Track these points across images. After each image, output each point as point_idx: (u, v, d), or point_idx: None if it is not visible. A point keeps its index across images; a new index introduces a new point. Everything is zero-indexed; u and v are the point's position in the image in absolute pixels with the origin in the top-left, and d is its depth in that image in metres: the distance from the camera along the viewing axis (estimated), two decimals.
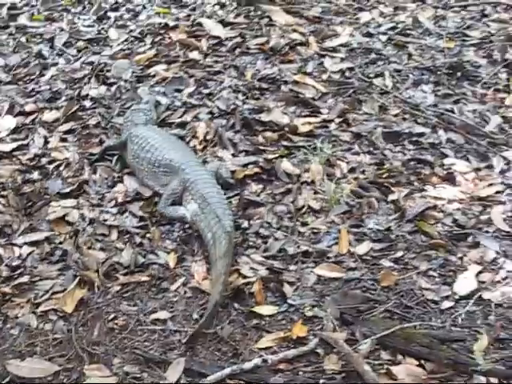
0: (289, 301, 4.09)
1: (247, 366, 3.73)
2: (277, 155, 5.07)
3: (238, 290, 4.15)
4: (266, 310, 4.07)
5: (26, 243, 4.57)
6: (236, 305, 4.09)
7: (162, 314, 4.08)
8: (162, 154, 4.85)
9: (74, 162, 5.12)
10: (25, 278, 4.33)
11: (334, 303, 4.04)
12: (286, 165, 4.99)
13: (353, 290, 4.11)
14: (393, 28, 6.37)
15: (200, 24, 6.46)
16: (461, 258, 4.28)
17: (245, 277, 4.24)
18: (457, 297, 4.05)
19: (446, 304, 4.01)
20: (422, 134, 5.23)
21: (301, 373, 3.71)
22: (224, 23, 6.48)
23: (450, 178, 4.85)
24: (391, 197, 4.71)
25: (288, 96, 5.60)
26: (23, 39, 6.54)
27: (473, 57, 5.95)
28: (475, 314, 3.95)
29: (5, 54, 6.34)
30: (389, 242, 4.41)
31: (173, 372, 3.73)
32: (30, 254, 4.51)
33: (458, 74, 5.78)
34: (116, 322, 4.06)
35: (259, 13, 6.59)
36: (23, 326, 4.07)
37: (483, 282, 4.12)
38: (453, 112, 5.41)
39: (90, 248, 4.50)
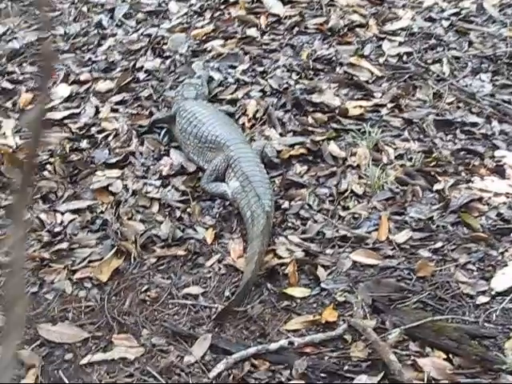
0: (322, 284, 4.06)
1: (273, 346, 3.72)
2: (325, 137, 5.01)
3: (272, 270, 4.14)
4: (298, 292, 4.05)
5: (68, 210, 4.61)
6: (269, 285, 4.07)
7: (194, 289, 4.09)
8: (209, 130, 4.84)
9: (123, 133, 5.13)
10: (64, 245, 4.38)
11: (366, 290, 4.00)
12: (332, 147, 4.93)
13: (387, 279, 4.05)
14: (456, 14, 6.19)
15: (260, 1, 6.40)
16: (502, 254, 4.18)
17: (280, 257, 4.22)
18: (493, 292, 3.95)
19: (482, 299, 3.91)
20: (475, 124, 5.10)
21: (326, 358, 3.68)
22: (285, 1, 6.39)
23: (498, 171, 4.72)
24: (436, 186, 4.61)
25: (342, 78, 5.52)
26: (84, 9, 6.59)
27: None
28: (511, 311, 3.86)
29: (65, 23, 6.40)
30: (429, 231, 4.33)
31: (199, 347, 3.75)
32: (71, 221, 4.55)
33: None
34: (148, 293, 4.08)
35: None
36: (58, 291, 4.13)
37: None
38: (509, 103, 5.24)
39: (130, 219, 4.53)
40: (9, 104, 5.44)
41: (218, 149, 4.76)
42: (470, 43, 5.86)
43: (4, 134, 5.12)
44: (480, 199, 4.52)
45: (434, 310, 3.87)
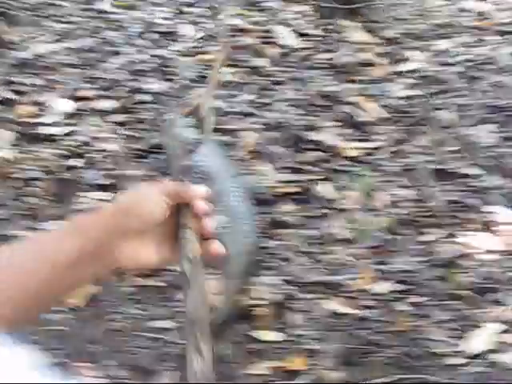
0: (294, 330, 4.00)
1: None
2: (319, 177, 4.94)
3: (244, 311, 4.08)
4: (269, 336, 3.97)
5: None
6: (240, 326, 4.02)
7: (166, 323, 4.06)
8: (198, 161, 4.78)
9: (118, 156, 5.11)
10: None
11: (338, 340, 3.93)
12: (326, 188, 4.83)
13: (360, 330, 3.99)
14: (470, 60, 6.11)
15: (275, 31, 6.36)
16: (482, 314, 4.08)
17: (255, 299, 4.16)
18: (467, 354, 3.85)
19: (453, 360, 3.80)
20: (474, 176, 5.00)
21: None
22: (300, 33, 6.35)
23: (489, 227, 4.61)
24: (425, 238, 4.50)
25: (344, 117, 5.44)
26: (101, 24, 6.59)
27: None
28: (482, 374, 3.76)
29: (80, 37, 6.40)
30: (411, 285, 4.24)
31: None
32: None
33: None
34: (120, 324, 4.06)
35: (337, 27, 6.44)
36: None
37: (501, 343, 3.92)
38: None
39: None
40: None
41: (207, 182, 4.68)
42: (481, 92, 5.76)
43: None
44: (467, 255, 4.41)
45: (404, 367, 3.79)
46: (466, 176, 5.01)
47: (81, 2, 6.96)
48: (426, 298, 4.15)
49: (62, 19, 6.63)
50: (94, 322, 4.06)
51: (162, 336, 3.96)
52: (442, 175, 5.02)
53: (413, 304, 4.13)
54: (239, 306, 4.08)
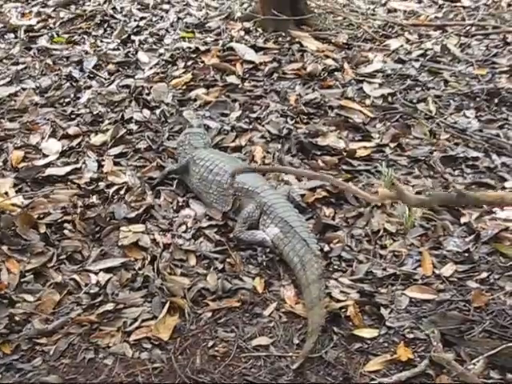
0: (387, 323, 4.06)
1: None
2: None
3: (333, 314, 4.10)
4: (367, 332, 4.03)
5: (101, 270, 4.40)
6: (335, 328, 4.04)
7: (263, 340, 4.00)
8: None
9: (136, 187, 4.96)
10: (109, 306, 4.16)
11: (432, 324, 4.04)
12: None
13: (451, 311, 4.12)
14: (423, 55, 6.49)
15: (231, 48, 6.41)
16: None
17: (338, 300, 4.19)
18: None
19: None
20: (476, 158, 5.31)
21: None
22: (255, 48, 6.44)
23: None
24: (463, 219, 4.75)
25: (337, 120, 5.60)
26: (49, 61, 6.34)
27: (506, 84, 6.11)
28: None
29: (33, 76, 6.13)
30: (471, 263, 4.45)
31: None
32: (108, 280, 4.33)
33: (496, 100, 5.92)
34: (216, 349, 3.95)
35: (288, 38, 6.59)
36: (117, 355, 3.90)
37: None
38: (499, 136, 5.52)
39: (171, 274, 4.35)
40: None
41: (246, 196, 4.68)
42: (446, 82, 6.13)
43: (6, 193, 4.81)
44: (506, 229, 4.69)
45: (500, 337, 3.97)
46: (469, 159, 5.31)
47: (17, 42, 6.65)
48: (489, 273, 4.36)
49: (8, 61, 6.31)
50: (187, 352, 3.91)
51: (263, 353, 3.90)
52: (448, 161, 5.29)
53: (480, 281, 4.32)
54: (329, 310, 4.09)
